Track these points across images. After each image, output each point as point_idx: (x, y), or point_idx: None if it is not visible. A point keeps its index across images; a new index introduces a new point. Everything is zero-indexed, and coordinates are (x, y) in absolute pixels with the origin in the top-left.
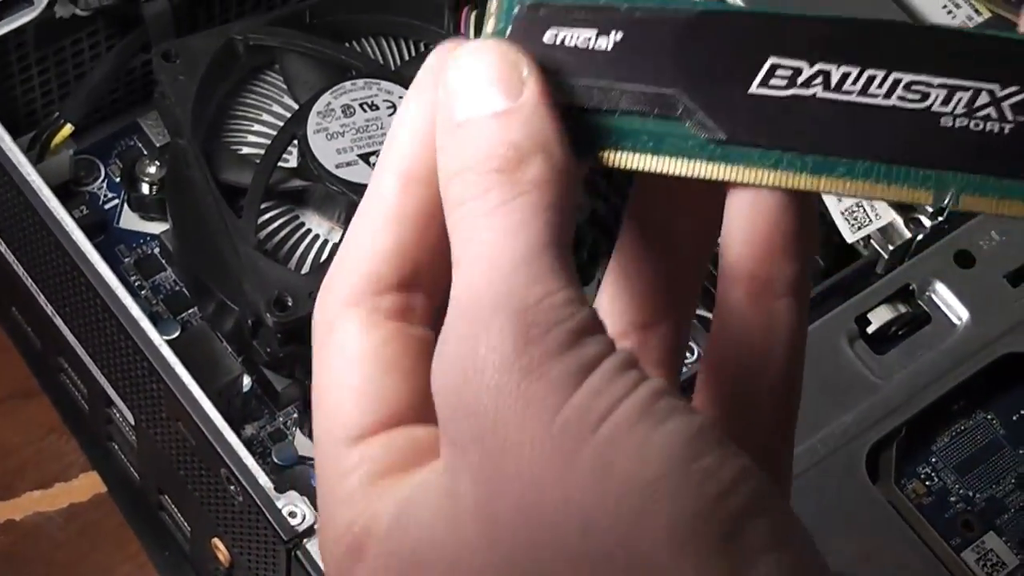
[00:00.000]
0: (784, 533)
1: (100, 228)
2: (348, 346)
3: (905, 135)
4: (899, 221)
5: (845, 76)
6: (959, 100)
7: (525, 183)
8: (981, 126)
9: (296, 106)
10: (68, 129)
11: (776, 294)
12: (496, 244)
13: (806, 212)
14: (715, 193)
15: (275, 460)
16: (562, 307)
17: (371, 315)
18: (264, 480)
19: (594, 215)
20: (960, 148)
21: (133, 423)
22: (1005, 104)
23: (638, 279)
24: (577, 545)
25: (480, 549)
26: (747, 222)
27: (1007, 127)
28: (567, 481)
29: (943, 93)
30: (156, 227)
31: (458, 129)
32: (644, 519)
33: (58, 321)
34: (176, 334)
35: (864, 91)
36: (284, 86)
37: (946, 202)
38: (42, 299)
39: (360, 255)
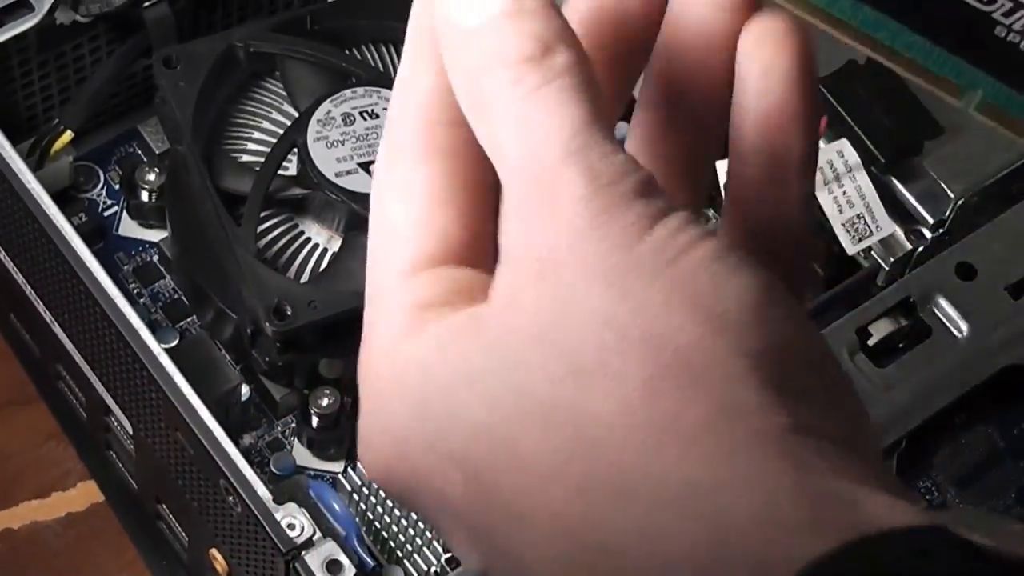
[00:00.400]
0: (836, 402)
1: (99, 235)
2: (408, 173)
3: (960, 27)
4: (900, 233)
5: None
6: (1019, 17)
7: (557, 68)
8: None
9: (296, 113)
10: (68, 135)
11: (785, 170)
12: (545, 119)
13: (812, 91)
14: (729, 61)
15: (273, 470)
16: (627, 163)
17: (432, 142)
18: (263, 491)
19: None
20: (1003, 58)
21: (131, 432)
22: None
23: (654, 150)
24: (643, 364)
25: (540, 368)
26: (757, 95)
27: None
28: (641, 306)
29: (1009, 5)
30: (155, 234)
31: (471, 36)
32: (718, 343)
33: (56, 328)
34: (175, 342)
35: None
36: (284, 93)
37: (971, 103)
38: (40, 306)
39: (419, 84)
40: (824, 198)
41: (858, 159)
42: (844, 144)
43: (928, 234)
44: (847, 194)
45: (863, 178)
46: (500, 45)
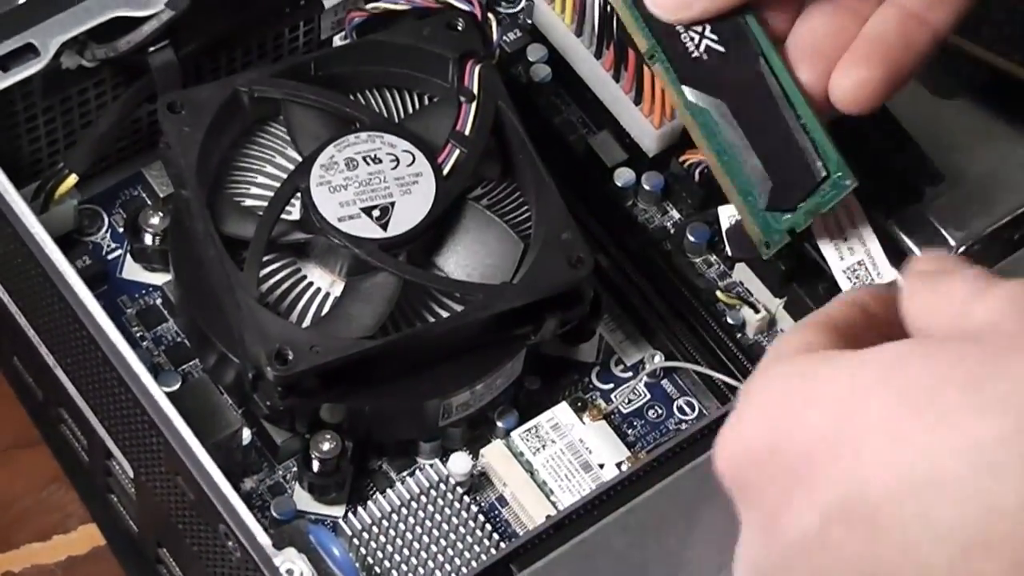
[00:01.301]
0: None
1: (102, 279)
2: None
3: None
4: (902, 280)
5: None
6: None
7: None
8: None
9: (300, 158)
10: (72, 179)
11: None
12: None
13: None
14: None
15: (274, 514)
16: None
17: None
18: (262, 537)
19: (598, 269)
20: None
21: (132, 476)
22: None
23: None
24: None
25: None
26: None
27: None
28: None
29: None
30: (159, 278)
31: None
32: None
33: (59, 372)
34: (177, 386)
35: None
36: (288, 138)
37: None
38: (43, 349)
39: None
40: (825, 244)
41: (859, 205)
42: None
43: None
44: (848, 240)
45: (864, 225)
46: None
